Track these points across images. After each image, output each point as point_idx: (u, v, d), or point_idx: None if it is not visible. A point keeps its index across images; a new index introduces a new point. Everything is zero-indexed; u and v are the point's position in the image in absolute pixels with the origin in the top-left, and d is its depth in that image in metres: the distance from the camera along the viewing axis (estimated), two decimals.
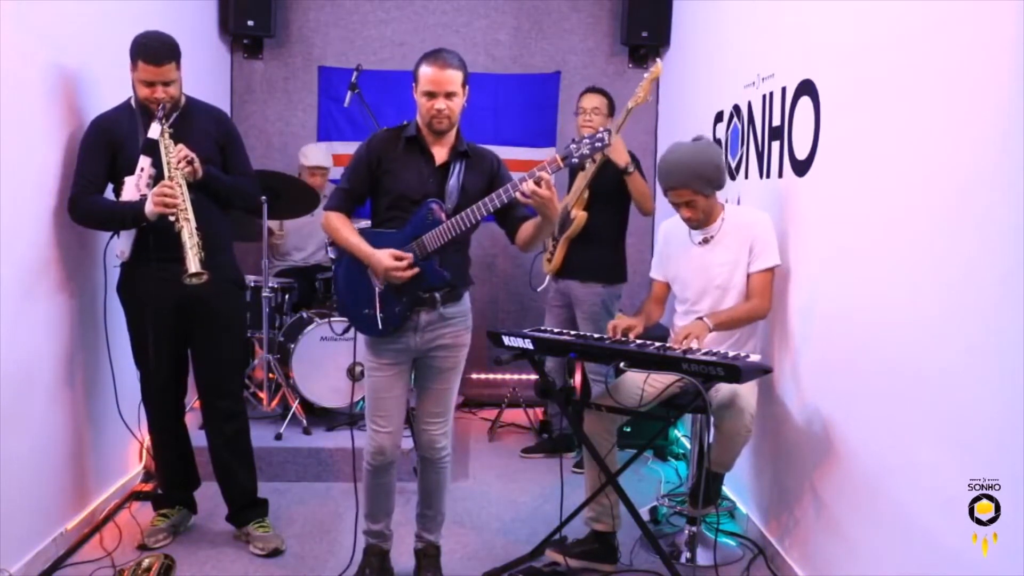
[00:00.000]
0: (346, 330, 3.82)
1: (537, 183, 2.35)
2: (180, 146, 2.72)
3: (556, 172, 2.39)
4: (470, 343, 2.71)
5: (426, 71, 2.47)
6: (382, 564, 2.78)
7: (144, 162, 2.73)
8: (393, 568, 2.81)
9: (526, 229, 2.56)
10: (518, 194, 2.41)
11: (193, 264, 2.61)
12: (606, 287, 3.80)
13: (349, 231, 2.58)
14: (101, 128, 2.80)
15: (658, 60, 3.44)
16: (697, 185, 2.80)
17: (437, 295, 2.56)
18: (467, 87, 2.54)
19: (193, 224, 2.65)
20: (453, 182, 2.55)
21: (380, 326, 2.56)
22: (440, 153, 2.58)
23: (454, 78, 2.47)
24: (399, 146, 2.58)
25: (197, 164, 2.73)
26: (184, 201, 2.66)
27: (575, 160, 2.42)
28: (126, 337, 2.97)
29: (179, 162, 2.69)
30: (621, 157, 3.49)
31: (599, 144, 2.40)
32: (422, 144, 2.57)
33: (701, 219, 2.88)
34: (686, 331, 2.69)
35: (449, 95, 2.48)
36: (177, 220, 2.64)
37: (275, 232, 4.46)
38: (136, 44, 2.72)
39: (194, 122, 2.86)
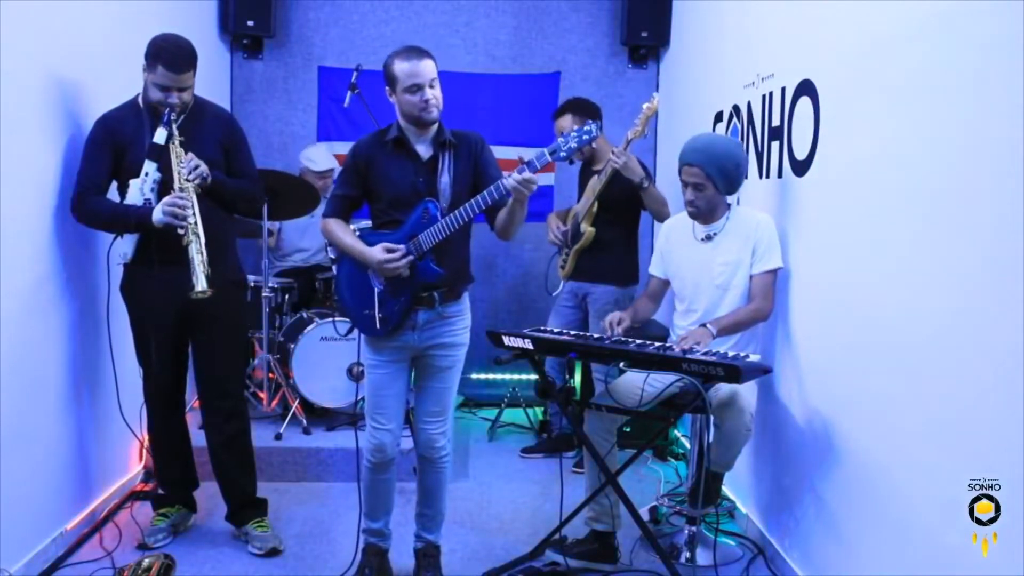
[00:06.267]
0: (349, 331, 3.82)
1: (516, 179, 2.38)
2: (190, 156, 2.71)
3: (544, 165, 2.40)
4: (469, 342, 2.72)
5: (404, 66, 2.49)
6: (381, 564, 2.78)
7: (149, 167, 2.72)
8: (392, 568, 2.81)
9: (502, 215, 2.58)
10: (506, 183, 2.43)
11: (200, 282, 2.63)
12: (620, 287, 3.86)
13: (346, 235, 2.64)
14: (106, 128, 2.79)
15: (655, 95, 3.48)
16: (712, 169, 2.80)
17: (436, 294, 2.58)
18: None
19: (202, 240, 2.66)
20: (445, 178, 2.57)
21: (378, 326, 2.59)
22: (424, 149, 2.60)
23: (432, 67, 2.52)
24: (384, 150, 2.60)
25: (208, 176, 2.73)
26: (194, 215, 2.67)
27: (563, 154, 2.43)
28: (129, 337, 2.97)
29: (190, 173, 2.69)
30: (635, 174, 3.54)
31: (586, 137, 2.43)
32: (406, 144, 2.59)
33: (702, 208, 2.88)
34: (691, 338, 2.69)
35: (432, 83, 2.51)
36: (186, 234, 2.66)
37: (272, 233, 4.46)
38: (157, 47, 2.70)
39: (201, 124, 2.85)
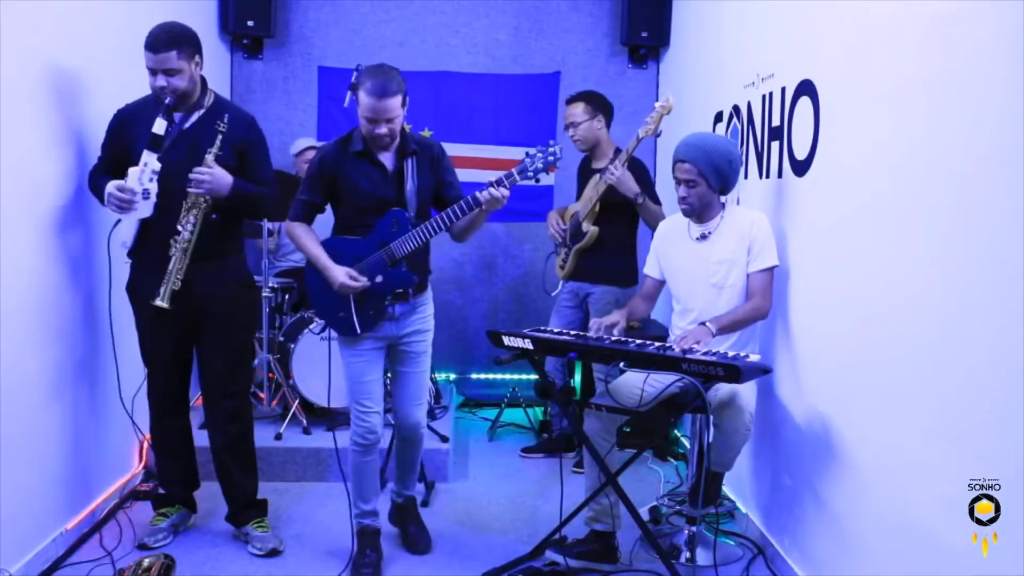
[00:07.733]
0: (323, 329, 3.86)
1: (494, 194, 2.60)
2: (207, 168, 2.72)
3: (513, 186, 2.60)
4: (434, 329, 2.96)
5: (367, 101, 2.59)
6: (375, 543, 2.93)
7: (149, 157, 2.72)
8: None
9: (464, 220, 2.73)
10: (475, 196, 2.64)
11: (164, 297, 2.72)
12: (621, 288, 3.87)
13: (310, 241, 2.77)
14: (119, 121, 2.84)
15: (670, 96, 3.45)
16: (704, 165, 2.81)
17: (409, 289, 2.77)
18: (407, 100, 2.68)
19: (186, 259, 2.74)
20: (410, 186, 2.72)
21: (358, 328, 2.74)
22: (389, 159, 2.73)
23: (393, 106, 2.61)
24: (349, 159, 2.71)
25: (213, 190, 2.75)
26: (193, 233, 2.74)
27: (529, 174, 2.64)
28: (132, 334, 2.97)
29: (190, 182, 2.71)
30: (629, 189, 3.55)
31: (551, 159, 2.63)
32: (370, 155, 2.71)
33: (695, 205, 2.88)
34: (690, 337, 2.69)
35: (389, 120, 2.62)
36: (173, 247, 2.73)
37: (272, 233, 4.47)
38: (148, 34, 2.72)
39: (216, 125, 2.81)
